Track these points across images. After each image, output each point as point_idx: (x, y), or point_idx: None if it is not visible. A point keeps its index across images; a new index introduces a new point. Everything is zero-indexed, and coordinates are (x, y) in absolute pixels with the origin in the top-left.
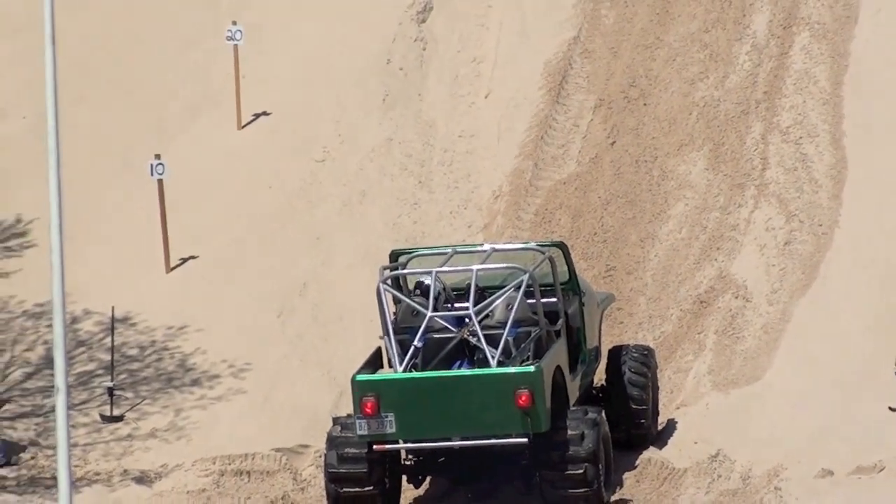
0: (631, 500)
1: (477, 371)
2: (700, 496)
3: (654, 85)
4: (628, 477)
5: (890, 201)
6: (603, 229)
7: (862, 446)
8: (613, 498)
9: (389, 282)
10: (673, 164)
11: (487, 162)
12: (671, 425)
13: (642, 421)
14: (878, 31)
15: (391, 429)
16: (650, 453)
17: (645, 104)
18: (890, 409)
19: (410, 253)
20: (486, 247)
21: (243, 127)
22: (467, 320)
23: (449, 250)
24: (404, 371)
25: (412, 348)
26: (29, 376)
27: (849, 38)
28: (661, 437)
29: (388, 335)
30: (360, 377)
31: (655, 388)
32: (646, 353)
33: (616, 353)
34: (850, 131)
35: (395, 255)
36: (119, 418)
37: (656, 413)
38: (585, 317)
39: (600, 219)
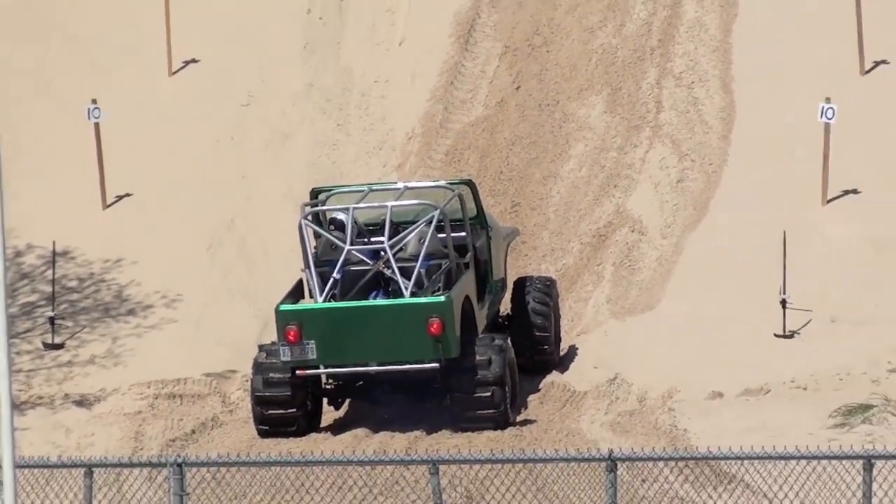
0: (535, 421)
1: (391, 301)
2: (600, 416)
3: (556, 33)
4: (532, 399)
5: (775, 141)
6: (509, 168)
7: (749, 370)
8: (519, 418)
9: (310, 218)
10: (573, 107)
11: (401, 106)
12: (572, 351)
13: (545, 347)
14: None
15: (312, 355)
16: (553, 377)
17: (547, 51)
18: (775, 335)
19: (330, 190)
20: (400, 185)
21: (174, 73)
22: (382, 253)
23: (365, 188)
24: (324, 301)
25: (331, 280)
26: None
27: None
28: (562, 363)
29: (309, 268)
30: (284, 307)
31: (557, 317)
32: (548, 283)
33: (521, 283)
34: (738, 76)
35: (315, 193)
36: (60, 346)
37: (558, 340)
38: (492, 250)
39: (506, 158)
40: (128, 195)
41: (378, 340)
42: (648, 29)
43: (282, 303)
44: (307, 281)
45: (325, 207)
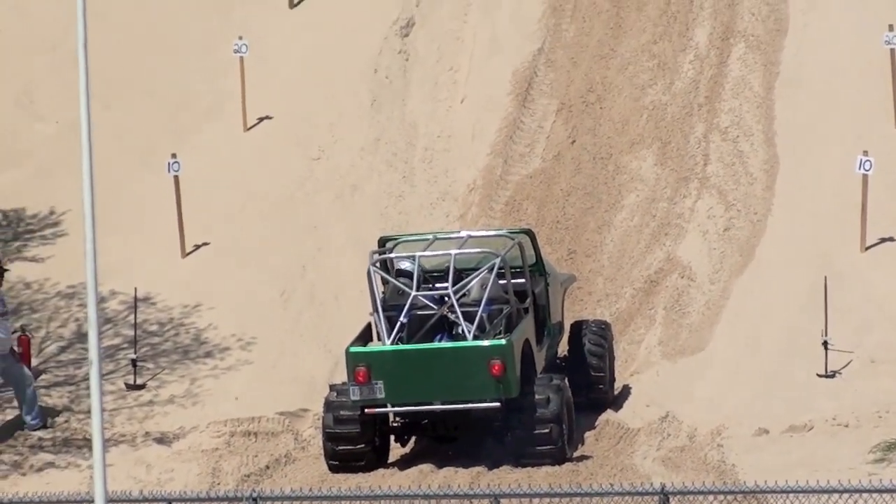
0: (591, 456)
1: (455, 344)
2: (652, 452)
3: (609, 90)
4: (588, 436)
5: (816, 192)
6: (565, 218)
7: (793, 408)
8: (575, 454)
9: (378, 265)
10: (626, 160)
11: (463, 159)
12: (626, 390)
13: (601, 386)
14: (805, 44)
15: (380, 394)
16: (607, 415)
17: (601, 108)
18: (818, 375)
19: (396, 239)
20: (463, 233)
21: (249, 129)
22: (447, 298)
23: (430, 237)
24: (391, 344)
25: (398, 324)
26: (62, 350)
27: (779, 48)
28: (617, 401)
29: (378, 312)
30: (353, 349)
31: (612, 358)
32: (603, 326)
33: (577, 327)
34: (781, 131)
35: (382, 241)
36: (141, 386)
37: (613, 379)
38: (550, 295)
39: (562, 208)
40: (205, 244)
41: (442, 381)
42: (696, 86)
43: (352, 345)
44: (375, 324)
45: (392, 255)
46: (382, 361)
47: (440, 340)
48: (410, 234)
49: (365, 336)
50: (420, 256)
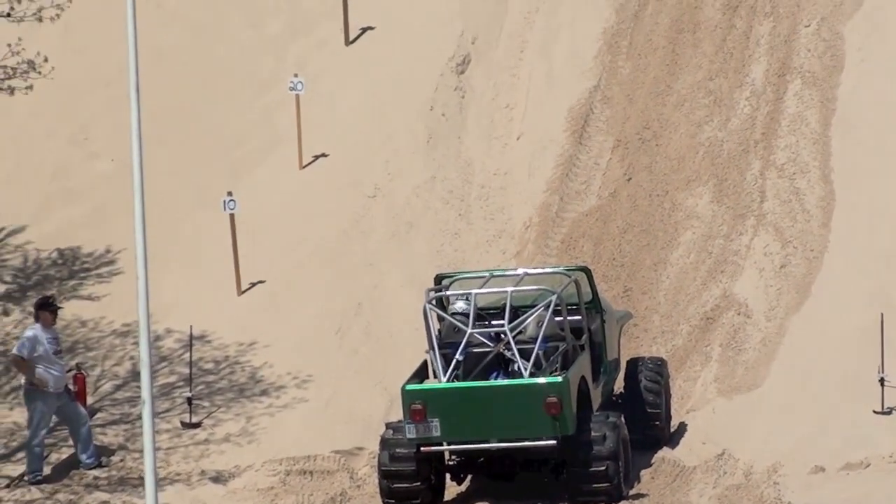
0: (647, 495)
1: (512, 381)
2: (708, 490)
3: (665, 127)
4: (645, 474)
5: (872, 229)
6: (621, 255)
7: (850, 445)
8: (632, 492)
9: (434, 302)
10: (682, 197)
11: (519, 196)
12: (682, 428)
13: (657, 423)
14: (862, 80)
15: (436, 432)
16: (664, 453)
17: (657, 145)
18: (874, 412)
19: (453, 276)
20: (520, 271)
21: (304, 167)
22: (503, 336)
23: (486, 274)
24: (448, 381)
25: (454, 361)
26: (118, 388)
27: (836, 85)
28: (673, 439)
29: (433, 349)
30: (410, 387)
31: (668, 395)
32: (659, 363)
33: (633, 364)
34: (838, 168)
35: (439, 279)
36: (197, 425)
37: (669, 417)
38: (606, 332)
39: (619, 246)
40: (261, 282)
41: (498, 418)
42: (752, 123)
43: (407, 383)
44: (431, 362)
45: (448, 293)
46: (438, 399)
47: (496, 378)
48: (467, 272)
49: (421, 374)
50: (476, 294)
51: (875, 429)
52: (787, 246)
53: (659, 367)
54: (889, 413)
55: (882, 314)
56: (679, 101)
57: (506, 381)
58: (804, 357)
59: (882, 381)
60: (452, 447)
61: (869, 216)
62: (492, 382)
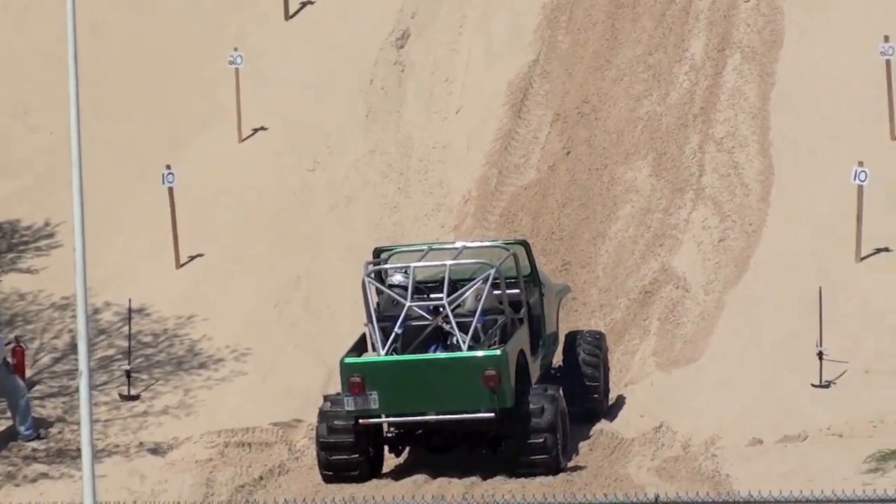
0: (586, 467)
1: (450, 354)
2: (646, 462)
3: (604, 102)
4: (583, 446)
5: (811, 203)
6: (560, 229)
7: (787, 418)
8: (570, 464)
9: (373, 276)
10: (621, 171)
11: (458, 170)
12: (620, 401)
13: (595, 396)
14: (800, 54)
15: (375, 405)
16: (602, 425)
17: (596, 119)
18: (812, 385)
19: (392, 249)
20: (458, 244)
21: (244, 140)
22: (441, 309)
23: (425, 247)
24: (386, 354)
25: (393, 334)
26: (56, 361)
27: (775, 59)
28: (611, 411)
29: (372, 322)
30: (348, 360)
31: (606, 368)
32: (598, 337)
33: (572, 337)
34: (776, 142)
35: (377, 252)
36: (135, 397)
37: (607, 390)
38: (545, 306)
39: (557, 219)
40: (200, 255)
41: (437, 391)
42: (691, 97)
43: (346, 356)
44: (370, 335)
45: (387, 266)
46: (377, 372)
47: (435, 351)
48: (405, 245)
49: (359, 347)
50: (415, 267)
51: (813, 402)
52: (726, 220)
53: (597, 341)
54: (827, 386)
55: (820, 288)
56: (618, 76)
57: (444, 354)
58: (742, 331)
59: (820, 354)
60: (391, 419)
61: (807, 190)
62: (431, 355)
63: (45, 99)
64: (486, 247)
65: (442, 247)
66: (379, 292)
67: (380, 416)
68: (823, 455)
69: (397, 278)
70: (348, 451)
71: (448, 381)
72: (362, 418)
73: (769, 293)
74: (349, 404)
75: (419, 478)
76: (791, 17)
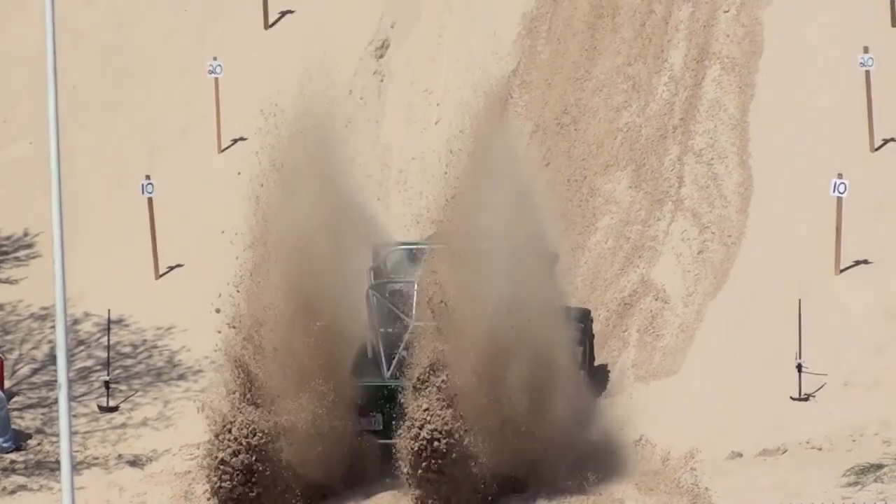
0: (564, 480)
1: None
2: (625, 476)
3: (584, 112)
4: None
5: (790, 215)
6: None
7: (767, 432)
8: (548, 476)
9: (378, 288)
10: (600, 182)
11: (438, 180)
12: (599, 413)
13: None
14: (781, 66)
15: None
16: (582, 435)
17: (575, 129)
18: (791, 398)
19: (390, 247)
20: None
21: (223, 150)
22: None
23: (423, 245)
24: (391, 377)
25: (397, 356)
26: (35, 371)
27: (754, 70)
28: (590, 424)
29: (377, 339)
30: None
31: (591, 343)
32: (584, 313)
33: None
34: (756, 153)
35: (376, 250)
36: (114, 409)
37: (592, 359)
38: None
39: None
40: (179, 266)
41: None
42: (671, 108)
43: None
44: (372, 345)
45: (391, 281)
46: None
47: None
48: (404, 242)
49: (359, 359)
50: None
51: (792, 415)
52: (705, 231)
53: (583, 317)
54: (806, 399)
55: (799, 300)
56: (598, 86)
57: None
58: (721, 343)
59: (799, 367)
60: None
61: (786, 202)
62: None
63: (24, 109)
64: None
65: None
66: (381, 305)
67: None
68: (803, 468)
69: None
70: None
71: None
72: None
73: (748, 305)
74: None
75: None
76: (771, 28)
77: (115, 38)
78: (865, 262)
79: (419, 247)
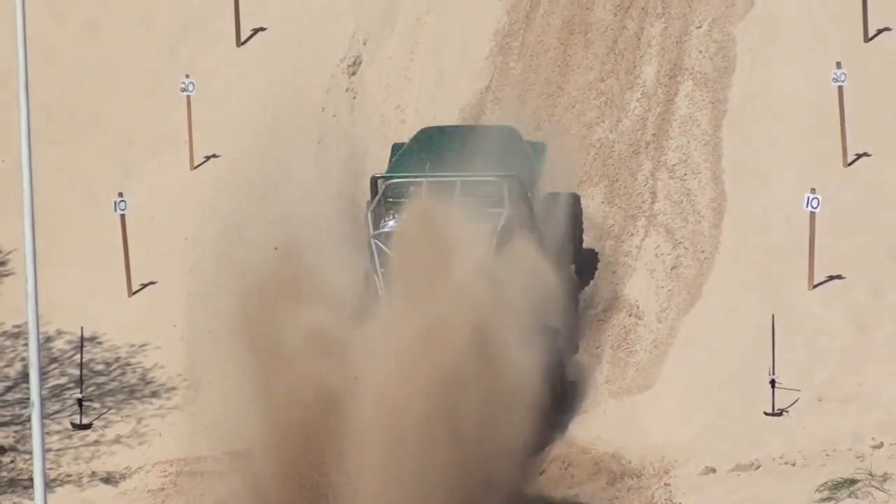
0: (537, 495)
1: None
2: (598, 492)
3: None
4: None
5: (763, 230)
6: None
7: (740, 447)
8: (521, 490)
9: (381, 238)
10: None
11: None
12: (572, 428)
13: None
14: (753, 81)
15: None
16: (555, 452)
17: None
18: (765, 413)
19: (388, 178)
20: (455, 177)
21: (196, 167)
22: None
23: (421, 179)
24: None
25: None
26: (8, 389)
27: (727, 86)
28: (562, 439)
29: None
30: None
31: (580, 228)
32: (574, 197)
33: (552, 197)
34: (728, 168)
35: (374, 180)
36: (88, 426)
37: (581, 242)
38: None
39: None
40: (152, 283)
41: None
42: (643, 124)
43: None
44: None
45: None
46: None
47: None
48: (402, 174)
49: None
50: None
51: (765, 430)
52: (679, 247)
53: (572, 201)
54: (779, 414)
55: (773, 316)
56: (570, 102)
57: None
58: (695, 358)
59: (773, 382)
60: None
61: (760, 217)
62: None
63: None
64: (482, 179)
65: (437, 179)
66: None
67: None
68: (776, 484)
69: (391, 224)
70: None
71: None
72: None
73: (722, 321)
74: None
75: None
76: (743, 43)
77: (87, 54)
78: (839, 276)
79: (417, 178)
